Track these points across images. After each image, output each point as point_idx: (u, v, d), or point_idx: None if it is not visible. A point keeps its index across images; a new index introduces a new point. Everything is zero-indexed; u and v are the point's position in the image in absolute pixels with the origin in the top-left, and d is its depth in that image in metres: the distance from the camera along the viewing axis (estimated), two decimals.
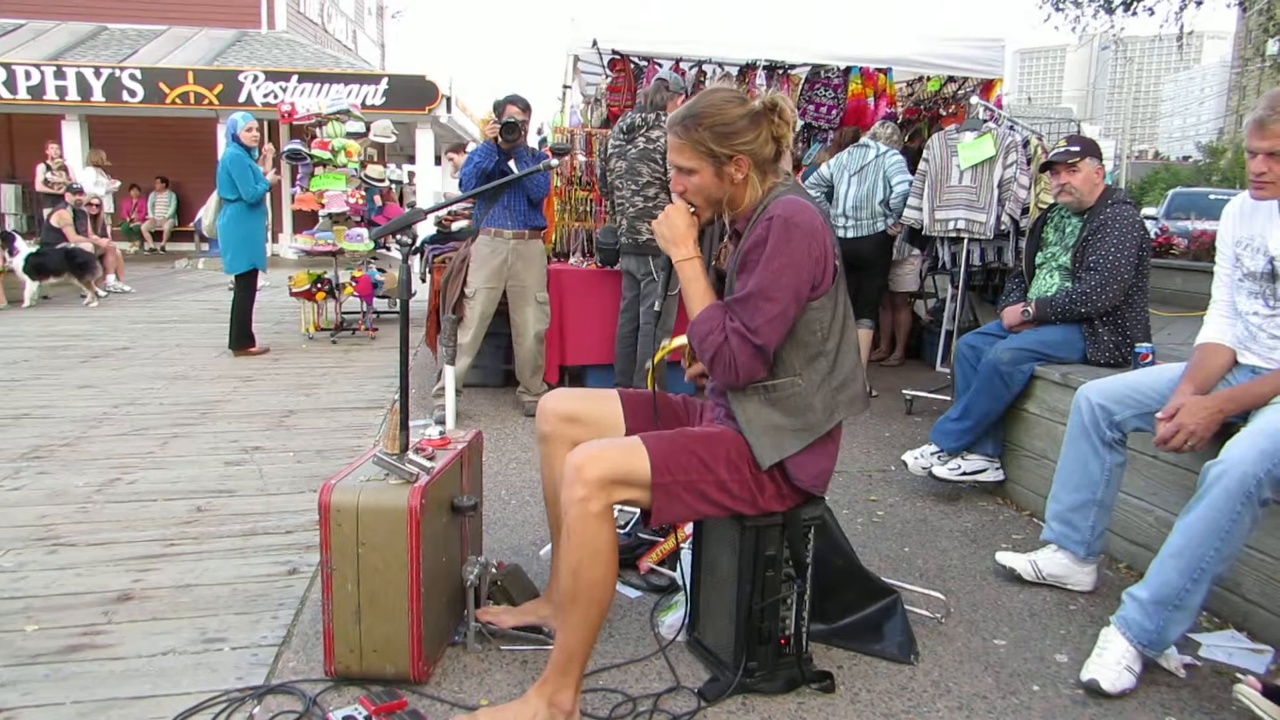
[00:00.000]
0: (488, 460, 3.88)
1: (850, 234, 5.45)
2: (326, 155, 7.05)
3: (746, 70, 6.37)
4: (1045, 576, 2.80)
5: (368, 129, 7.58)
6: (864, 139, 5.73)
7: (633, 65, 6.29)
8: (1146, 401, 2.59)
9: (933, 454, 3.70)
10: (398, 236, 2.27)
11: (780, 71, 6.44)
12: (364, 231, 7.08)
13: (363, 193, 7.29)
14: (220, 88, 14.01)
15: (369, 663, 2.08)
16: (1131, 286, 3.42)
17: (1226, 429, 2.35)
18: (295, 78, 14.02)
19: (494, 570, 2.43)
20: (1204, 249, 8.92)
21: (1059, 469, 2.80)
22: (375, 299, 7.59)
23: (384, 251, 8.00)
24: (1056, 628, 2.56)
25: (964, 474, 3.64)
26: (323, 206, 7.00)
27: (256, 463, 3.91)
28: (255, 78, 14.02)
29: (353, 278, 7.25)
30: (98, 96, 13.81)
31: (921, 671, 2.28)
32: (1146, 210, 17.48)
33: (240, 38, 16.44)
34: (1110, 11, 11.46)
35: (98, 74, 13.86)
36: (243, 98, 13.86)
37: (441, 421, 2.74)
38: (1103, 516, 2.72)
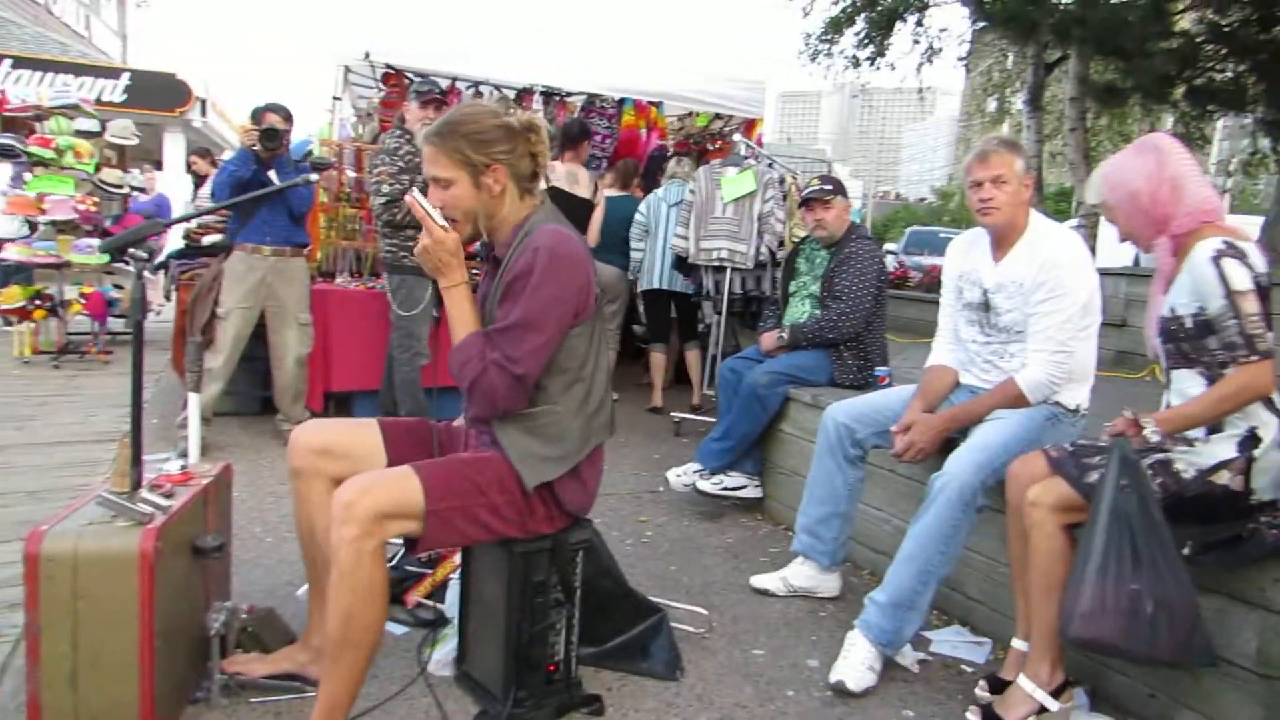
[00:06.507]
0: (241, 495, 3.59)
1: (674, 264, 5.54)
2: (49, 154, 6.23)
3: (523, 94, 6.40)
4: (796, 590, 3.00)
5: (103, 128, 6.84)
6: (671, 174, 5.92)
7: (408, 80, 6.13)
8: (884, 420, 2.85)
9: (695, 471, 3.85)
10: (131, 250, 2.05)
11: (557, 98, 6.53)
12: (95, 243, 6.35)
13: (95, 199, 6.53)
14: None
15: None
16: (871, 314, 3.74)
17: (949, 443, 2.63)
18: (8, 62, 12.35)
19: (244, 615, 2.25)
20: (935, 282, 9.93)
21: (808, 484, 3.01)
22: (110, 318, 6.84)
23: (121, 266, 7.23)
24: (809, 634, 2.73)
25: (725, 489, 3.81)
26: (43, 212, 6.19)
27: None
28: None
29: (81, 294, 6.48)
30: None
31: (686, 687, 2.35)
32: (889, 246, 19.28)
33: None
34: (857, 65, 12.66)
35: None
36: None
37: (184, 455, 2.49)
38: (845, 527, 2.96)
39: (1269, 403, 2.04)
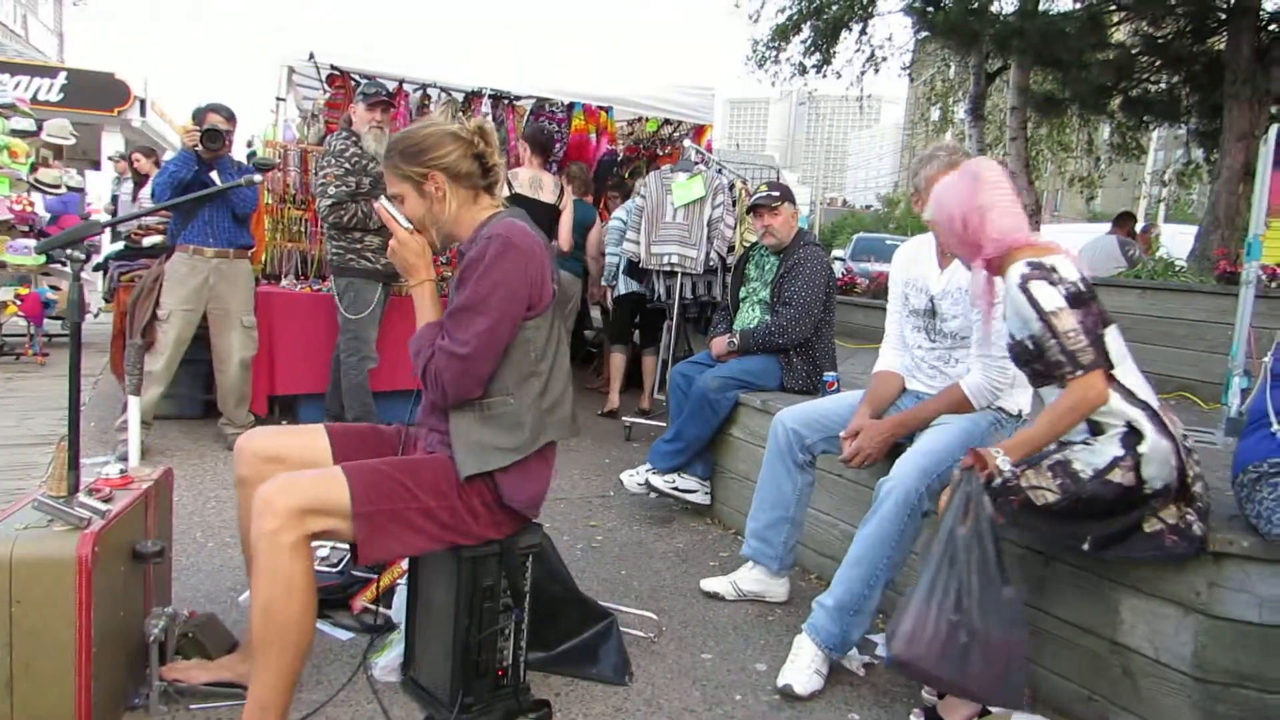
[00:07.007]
0: (183, 499, 3.52)
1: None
2: None
3: (472, 98, 6.37)
4: (745, 594, 3.02)
5: (39, 128, 6.66)
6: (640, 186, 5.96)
7: (354, 82, 6.04)
8: (832, 426, 2.89)
9: (647, 472, 3.86)
10: (68, 251, 2.01)
11: (506, 102, 6.50)
12: (31, 243, 6.17)
13: (31, 199, 6.35)
14: None
15: None
16: (820, 320, 3.79)
17: (897, 448, 2.68)
18: None
19: (185, 621, 2.20)
20: (882, 288, 10.11)
21: (758, 489, 3.04)
22: (47, 320, 6.65)
23: (58, 267, 7.03)
24: (757, 638, 2.76)
25: (676, 488, 3.83)
26: None
27: None
28: None
29: (17, 296, 6.29)
30: None
31: (635, 691, 2.36)
32: (836, 252, 19.50)
33: None
34: (803, 72, 12.81)
35: None
36: None
37: (124, 458, 2.44)
38: (794, 532, 2.99)
39: (1129, 395, 2.07)
